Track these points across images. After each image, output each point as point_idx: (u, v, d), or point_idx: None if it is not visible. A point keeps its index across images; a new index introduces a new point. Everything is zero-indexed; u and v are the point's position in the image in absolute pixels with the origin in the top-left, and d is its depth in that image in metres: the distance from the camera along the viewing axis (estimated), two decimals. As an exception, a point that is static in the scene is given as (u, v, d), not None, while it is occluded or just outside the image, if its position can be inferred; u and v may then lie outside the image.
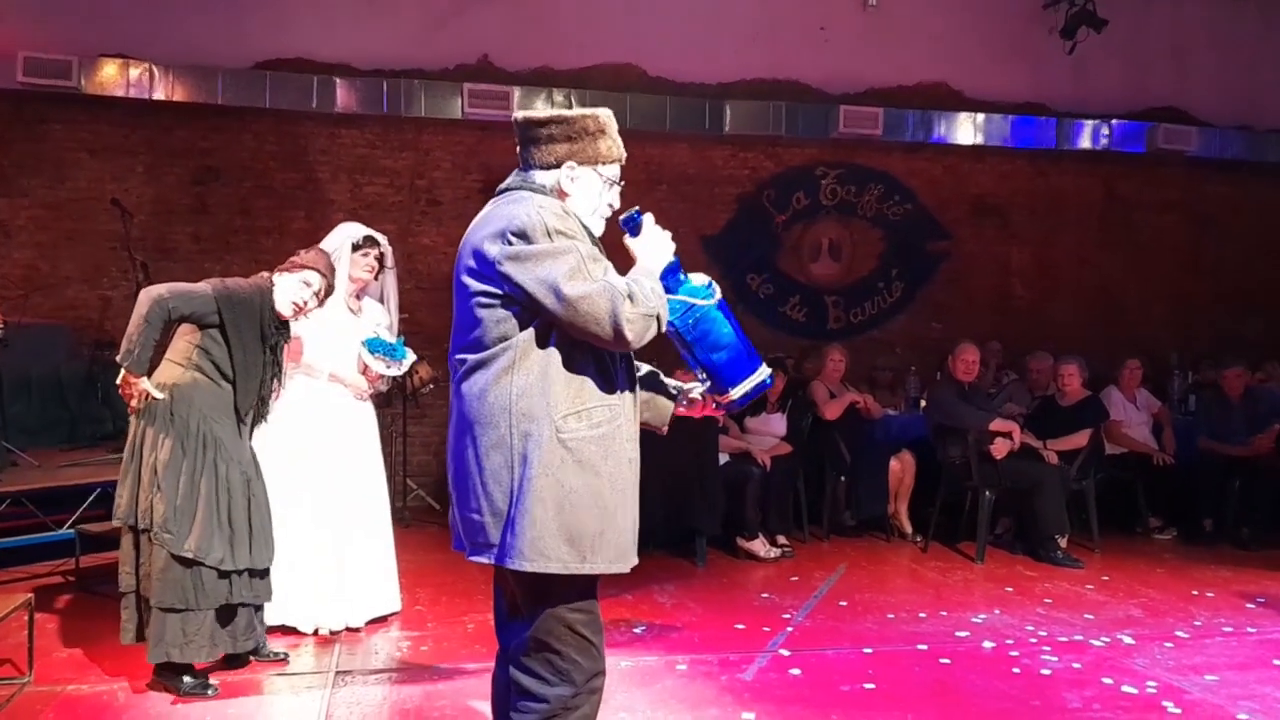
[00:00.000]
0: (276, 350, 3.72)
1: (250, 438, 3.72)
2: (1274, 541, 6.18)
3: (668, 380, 2.47)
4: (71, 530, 4.98)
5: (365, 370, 4.35)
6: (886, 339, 8.58)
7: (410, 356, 4.40)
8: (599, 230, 2.26)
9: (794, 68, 8.23)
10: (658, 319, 2.11)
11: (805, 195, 8.48)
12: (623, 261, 2.25)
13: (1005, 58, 8.46)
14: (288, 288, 3.66)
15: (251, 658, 3.80)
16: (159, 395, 3.45)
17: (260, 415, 3.74)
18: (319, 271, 3.70)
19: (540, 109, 2.32)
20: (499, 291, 2.11)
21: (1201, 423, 6.93)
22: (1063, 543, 5.80)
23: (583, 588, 2.16)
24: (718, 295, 2.31)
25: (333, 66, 7.44)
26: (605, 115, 2.26)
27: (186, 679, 3.50)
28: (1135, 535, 6.54)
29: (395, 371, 4.37)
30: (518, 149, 2.27)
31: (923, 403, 6.89)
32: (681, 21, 7.94)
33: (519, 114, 2.29)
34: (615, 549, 2.15)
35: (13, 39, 6.83)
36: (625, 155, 2.30)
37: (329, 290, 3.79)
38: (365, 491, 4.37)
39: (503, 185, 2.28)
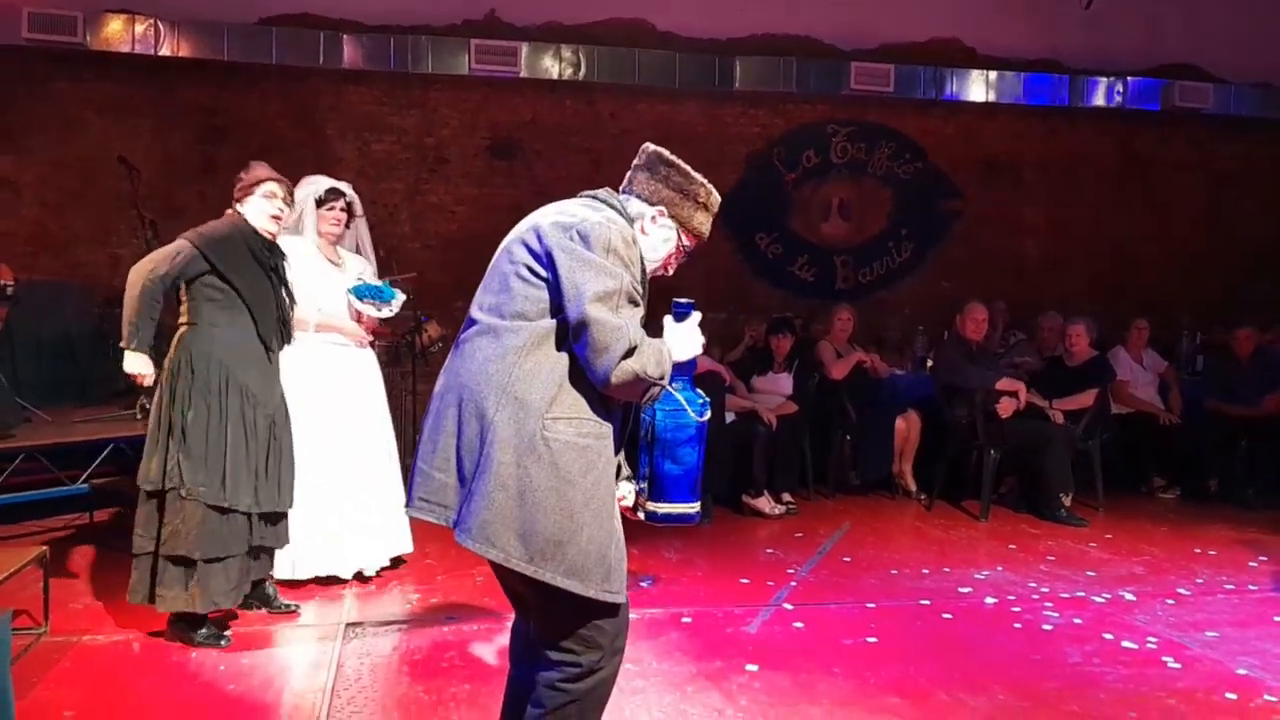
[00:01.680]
0: (279, 271, 3.77)
1: (278, 368, 3.77)
2: (1278, 502, 6.20)
3: (620, 459, 2.41)
4: (85, 485, 5.04)
5: (359, 317, 4.38)
6: (895, 299, 8.56)
7: (400, 297, 4.44)
8: (651, 269, 2.29)
9: (805, 23, 8.14)
10: (647, 388, 2.08)
11: (816, 153, 8.43)
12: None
13: (1019, 14, 8.34)
14: (257, 208, 3.70)
15: (264, 609, 3.87)
16: (148, 375, 3.50)
17: (285, 339, 3.78)
18: (271, 179, 3.74)
19: (672, 154, 2.32)
20: (541, 272, 2.11)
21: (1210, 383, 6.92)
22: (1067, 501, 5.83)
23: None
24: (706, 418, 2.30)
25: (339, 22, 7.39)
26: (717, 198, 2.32)
27: (201, 630, 3.57)
28: (1140, 495, 6.56)
29: (387, 313, 4.41)
30: (630, 170, 2.30)
31: (929, 362, 6.89)
32: (691, -25, 7.85)
33: (651, 146, 2.30)
34: (571, 564, 2.03)
35: (18, -6, 6.80)
36: (706, 237, 2.34)
37: (289, 189, 3.81)
38: (372, 439, 4.42)
39: (591, 192, 2.29)
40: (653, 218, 2.25)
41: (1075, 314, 6.59)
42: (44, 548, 3.69)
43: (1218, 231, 8.97)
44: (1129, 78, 8.41)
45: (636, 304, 2.11)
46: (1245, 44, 8.57)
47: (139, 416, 5.48)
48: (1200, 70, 8.64)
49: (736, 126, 8.31)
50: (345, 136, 7.75)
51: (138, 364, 3.52)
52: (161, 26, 7.03)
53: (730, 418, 5.84)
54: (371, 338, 4.51)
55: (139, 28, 7.00)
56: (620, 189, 2.31)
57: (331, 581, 4.31)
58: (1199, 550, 5.18)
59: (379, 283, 4.45)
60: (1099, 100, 8.42)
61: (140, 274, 3.46)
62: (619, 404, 2.19)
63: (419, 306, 6.57)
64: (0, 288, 5.39)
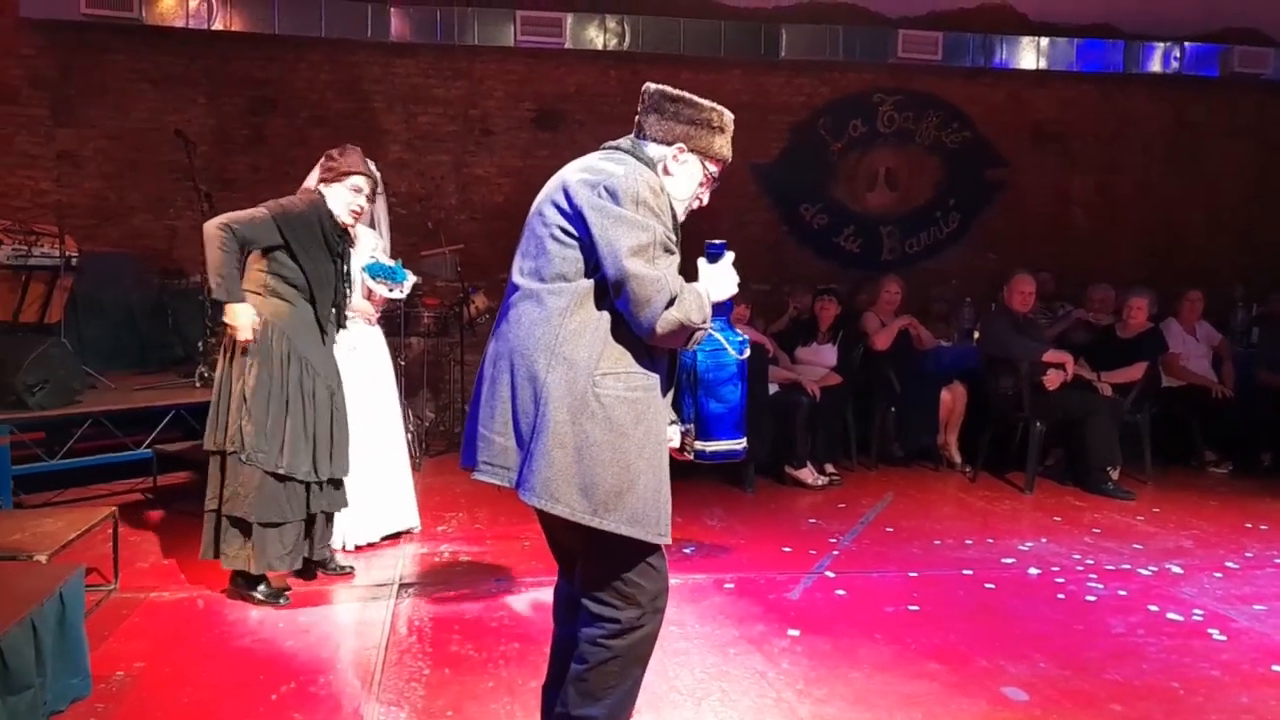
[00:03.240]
0: (345, 258, 3.86)
1: (332, 350, 3.88)
2: (1333, 476, 6.11)
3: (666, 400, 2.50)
4: (149, 450, 5.22)
5: (370, 295, 4.46)
6: (941, 269, 8.49)
7: (411, 278, 4.53)
8: (682, 216, 2.30)
9: (852, -10, 8.04)
10: (690, 333, 2.13)
11: (862, 122, 8.36)
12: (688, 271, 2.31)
13: (1074, -23, 8.16)
14: (340, 197, 3.77)
15: (320, 571, 4.01)
16: (249, 330, 3.55)
17: (339, 323, 3.89)
18: (363, 174, 3.80)
19: (672, 87, 2.34)
20: (575, 233, 2.15)
21: (1263, 354, 6.80)
22: (1114, 475, 5.78)
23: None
24: (746, 354, 2.34)
25: (387, -6, 7.45)
26: (729, 116, 2.32)
27: (261, 588, 3.71)
28: (1190, 469, 6.48)
29: (398, 294, 4.50)
30: (637, 115, 2.31)
31: (975, 334, 6.84)
32: (736, -57, 7.79)
33: (651, 85, 2.31)
34: (631, 512, 2.11)
35: (76, -29, 6.95)
36: (731, 159, 2.34)
37: (374, 186, 3.89)
38: (379, 415, 4.51)
39: (612, 143, 2.32)
40: (674, 156, 2.26)
41: (1130, 286, 6.49)
42: (112, 509, 3.85)
43: (1272, 201, 8.75)
44: (1186, 43, 8.20)
45: (671, 252, 2.14)
46: (1309, 7, 8.32)
47: (198, 384, 5.65)
48: (1261, 34, 8.40)
49: (781, 96, 8.26)
50: (392, 108, 7.83)
51: (242, 314, 3.52)
52: (214, 1, 7.15)
53: (773, 389, 5.87)
54: (379, 314, 4.59)
55: (192, 3, 7.13)
56: (636, 136, 2.31)
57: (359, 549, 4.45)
58: (1249, 525, 5.13)
59: (392, 263, 4.52)
60: (1155, 66, 8.23)
61: (216, 226, 3.51)
62: (664, 352, 2.23)
63: (466, 278, 6.67)
64: (66, 259, 5.55)
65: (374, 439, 4.48)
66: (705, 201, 2.36)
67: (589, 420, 2.10)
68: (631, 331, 2.13)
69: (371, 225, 4.73)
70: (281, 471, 3.61)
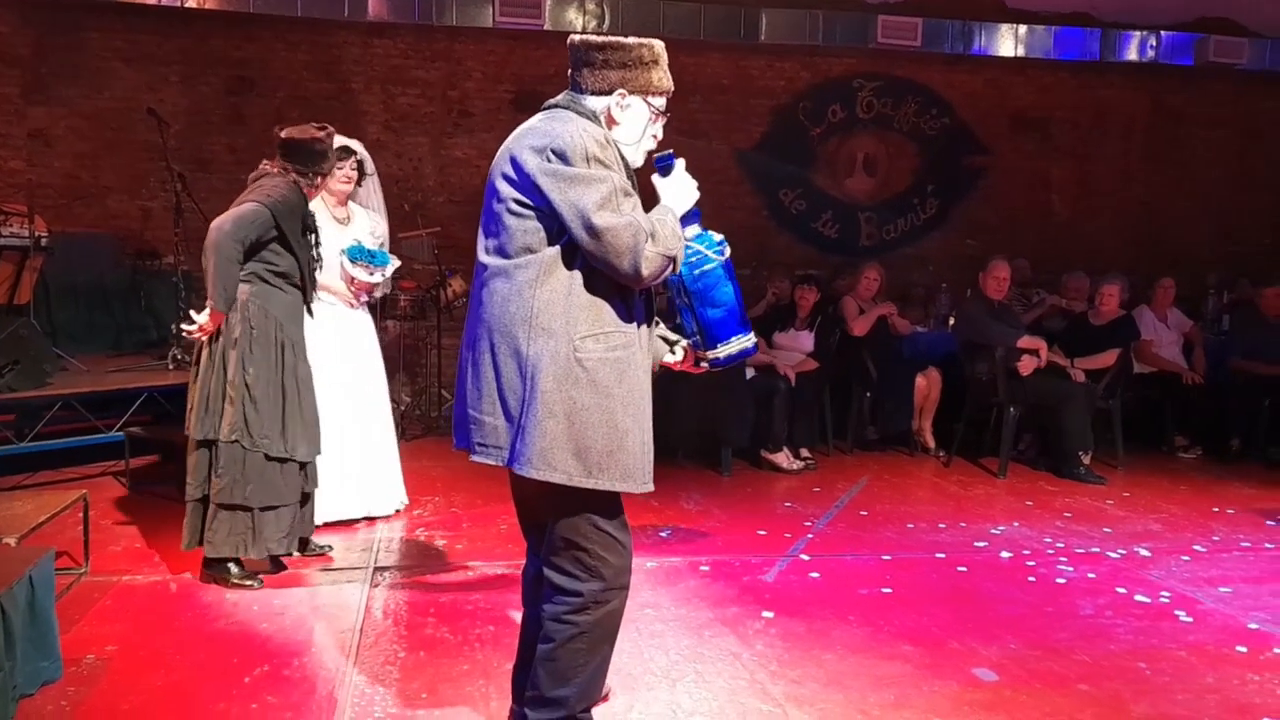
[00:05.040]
0: (316, 232, 3.88)
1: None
2: (1301, 461, 6.20)
3: (663, 328, 2.52)
4: (121, 433, 5.18)
5: (352, 281, 4.41)
6: (919, 255, 8.53)
7: (394, 262, 4.51)
8: (637, 163, 2.30)
9: (833, -25, 8.03)
10: (673, 260, 2.16)
11: (842, 108, 8.37)
12: (650, 197, 2.29)
13: (1052, -36, 8.19)
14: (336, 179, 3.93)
15: (297, 552, 3.99)
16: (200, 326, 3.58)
17: (312, 299, 3.89)
18: (341, 164, 3.94)
19: (596, 35, 2.31)
20: (530, 203, 2.15)
21: (1236, 342, 6.88)
22: (1086, 460, 5.85)
23: (602, 492, 2.22)
24: (727, 254, 2.35)
25: (364, -27, 7.37)
26: (659, 46, 2.29)
27: (234, 569, 3.70)
28: (1161, 454, 6.56)
29: (379, 278, 4.45)
30: (570, 71, 2.29)
31: (952, 320, 6.89)
32: (717, -74, 7.75)
33: (575, 37, 2.29)
34: (623, 469, 2.17)
35: (46, -55, 6.84)
36: (673, 88, 2.33)
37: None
38: (366, 396, 4.52)
39: (551, 101, 2.30)
40: (616, 104, 2.25)
41: (1104, 272, 6.55)
42: (83, 492, 3.82)
43: (1248, 189, 8.85)
44: (1162, 32, 8.25)
45: (630, 195, 2.16)
46: (1285, -4, 8.38)
47: (171, 366, 5.60)
48: (1236, 24, 8.46)
49: (762, 80, 8.25)
50: (371, 89, 7.77)
51: (215, 320, 3.57)
52: (188, -22, 7.05)
53: (750, 373, 5.89)
54: (367, 298, 4.55)
55: (166, -21, 7.02)
56: (573, 91, 2.29)
57: (349, 524, 4.47)
58: (1217, 509, 5.20)
59: (374, 247, 4.49)
60: (1131, 55, 8.28)
61: (221, 234, 3.49)
62: (638, 301, 2.25)
63: (444, 261, 6.64)
64: (35, 239, 5.48)
65: (362, 419, 4.47)
66: (660, 137, 2.34)
67: (574, 386, 2.13)
68: (602, 291, 2.16)
69: (369, 207, 4.70)
70: (285, 455, 3.65)
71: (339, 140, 4.39)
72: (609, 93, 2.24)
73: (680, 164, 2.31)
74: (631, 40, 2.26)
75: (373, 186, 4.74)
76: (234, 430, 3.59)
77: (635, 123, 2.27)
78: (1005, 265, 6.16)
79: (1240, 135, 8.84)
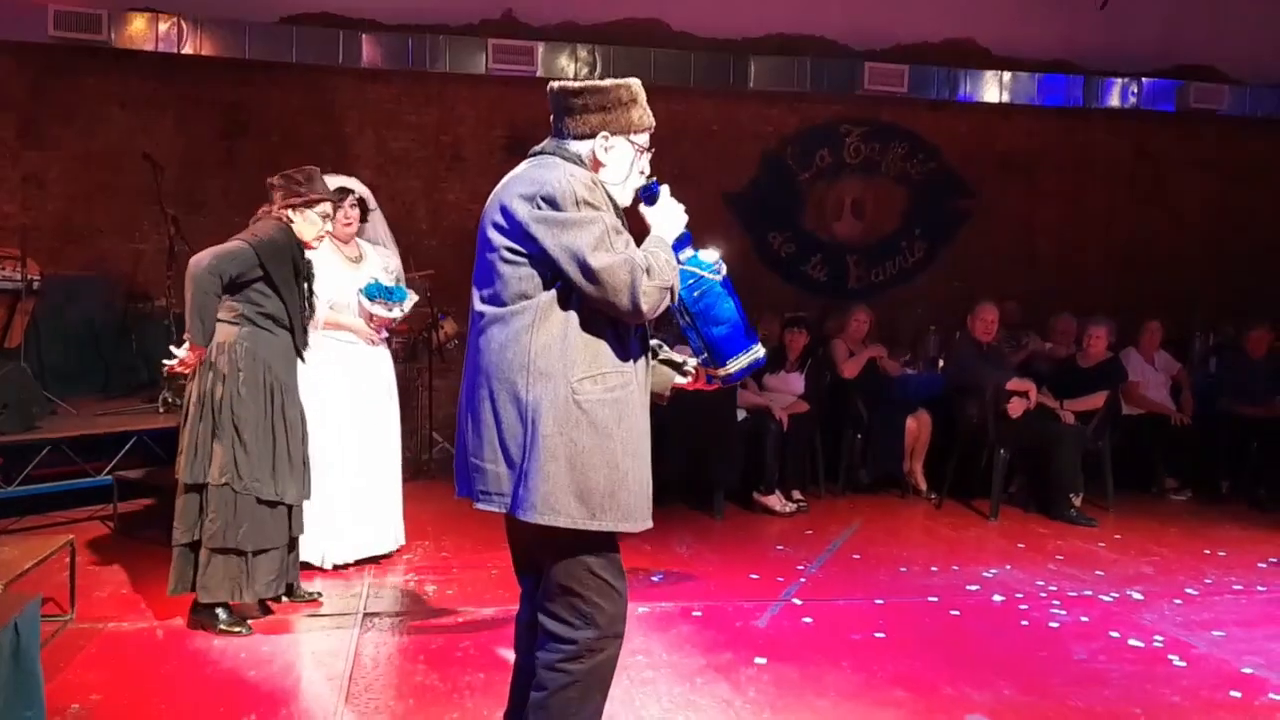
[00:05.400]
0: (310, 280, 3.88)
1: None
2: (1291, 503, 6.22)
3: (669, 352, 2.55)
4: (109, 477, 5.14)
5: (371, 318, 4.44)
6: (908, 298, 8.58)
7: (411, 297, 4.52)
8: (625, 201, 2.33)
9: (819, 23, 8.16)
10: (670, 290, 2.19)
11: (829, 153, 8.46)
12: (639, 228, 2.32)
13: (1034, 14, 8.33)
14: (311, 224, 3.80)
15: (285, 598, 3.95)
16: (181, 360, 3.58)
17: (305, 343, 3.88)
18: (328, 200, 3.85)
19: (574, 80, 2.34)
20: (523, 250, 2.17)
21: (1223, 383, 6.93)
22: (1077, 501, 5.86)
23: (600, 537, 2.22)
24: (723, 271, 2.38)
25: (358, 21, 7.47)
26: (636, 85, 2.32)
27: (222, 616, 3.66)
28: (1151, 496, 6.57)
29: (397, 314, 4.47)
30: (552, 117, 2.32)
31: (941, 361, 6.92)
32: (707, -25, 7.89)
33: (554, 83, 2.32)
34: (625, 509, 2.19)
35: (43, -8, 6.91)
36: (655, 123, 2.36)
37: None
38: (377, 435, 4.52)
39: (537, 148, 2.33)
40: (600, 147, 2.28)
41: (1092, 314, 6.61)
42: (70, 537, 3.78)
43: (1232, 231, 8.95)
44: (1144, 79, 8.40)
45: (622, 233, 2.19)
46: (1262, 45, 8.54)
47: (161, 410, 5.58)
48: (1216, 71, 8.62)
49: (751, 125, 8.35)
50: (364, 133, 7.83)
51: (195, 354, 3.58)
52: (184, 24, 7.12)
53: (742, 415, 5.90)
54: (386, 334, 4.57)
55: (162, 25, 7.09)
56: (556, 137, 2.31)
57: (343, 570, 4.43)
58: (1209, 551, 5.21)
59: (391, 283, 4.51)
60: (1114, 101, 8.42)
61: (200, 268, 3.53)
62: (634, 334, 2.26)
63: (436, 303, 6.65)
64: (28, 282, 5.48)
65: (370, 459, 4.45)
66: (647, 173, 2.37)
67: (574, 429, 2.14)
68: (597, 332, 2.18)
69: (378, 243, 4.73)
70: (275, 499, 3.63)
71: (338, 180, 4.44)
72: (592, 136, 2.27)
73: (665, 190, 2.33)
74: (609, 82, 2.29)
75: (379, 222, 4.76)
76: (224, 473, 3.57)
77: (621, 162, 2.30)
78: (993, 307, 6.21)
79: (1222, 179, 8.96)
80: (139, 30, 7.09)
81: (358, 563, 4.51)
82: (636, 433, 2.23)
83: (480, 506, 2.25)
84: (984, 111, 8.50)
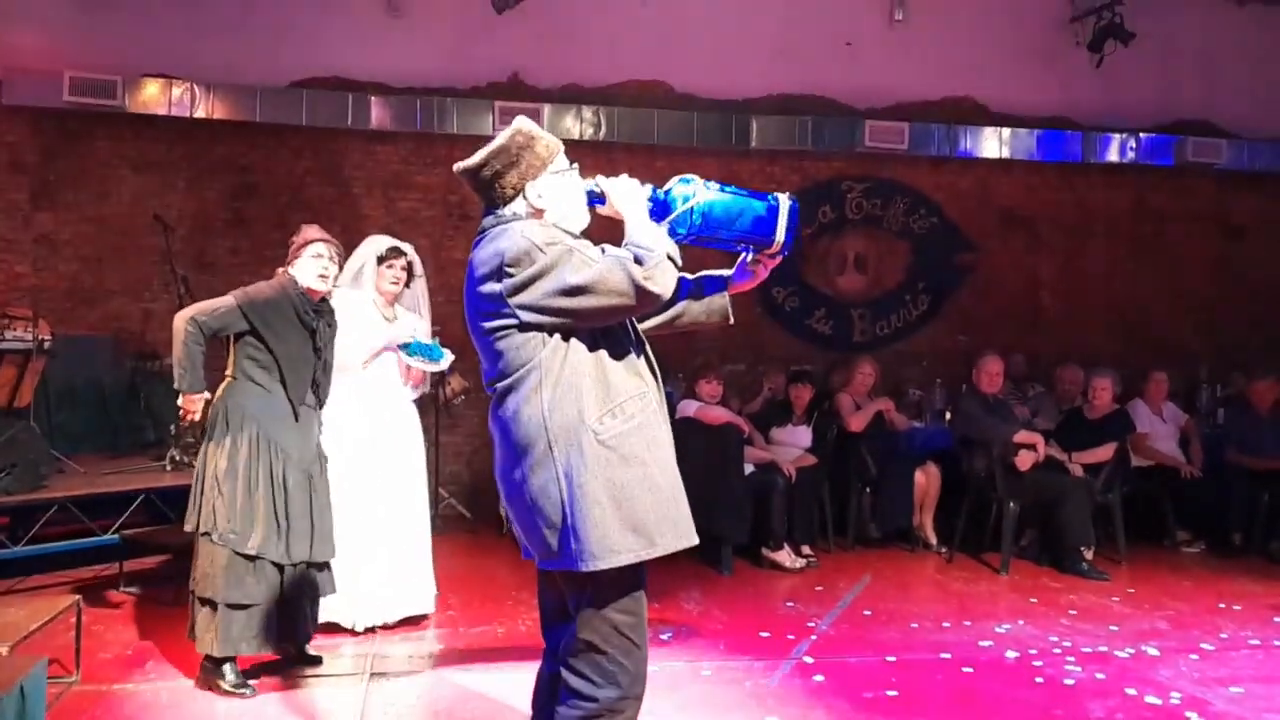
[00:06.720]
0: (320, 333, 3.87)
1: (319, 425, 3.90)
2: (1304, 555, 6.16)
3: (714, 272, 2.58)
4: (116, 535, 5.12)
5: (408, 371, 4.52)
6: (912, 351, 8.60)
7: (449, 356, 4.60)
8: (585, 222, 2.36)
9: (820, 82, 8.31)
10: (671, 258, 2.19)
11: (831, 209, 8.55)
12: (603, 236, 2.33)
13: (1032, 71, 8.49)
14: (305, 268, 3.84)
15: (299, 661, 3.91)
16: (195, 412, 3.68)
17: (319, 400, 3.89)
18: (319, 240, 3.87)
19: (470, 158, 2.39)
20: (514, 322, 2.21)
21: (1230, 435, 6.90)
22: (1088, 555, 5.81)
23: (630, 585, 2.22)
24: (701, 184, 2.36)
25: (367, 84, 7.63)
26: (526, 123, 2.34)
27: (228, 677, 3.62)
28: (1163, 548, 6.51)
29: (438, 369, 4.60)
30: (480, 196, 2.36)
31: (948, 415, 6.92)
32: (708, 38, 8.07)
33: (456, 168, 2.36)
34: (676, 527, 2.22)
35: (60, 59, 7.08)
36: (562, 142, 2.38)
37: (337, 249, 3.93)
38: (407, 491, 4.49)
39: (481, 226, 2.34)
40: (536, 197, 2.30)
41: (1096, 366, 6.61)
42: (77, 597, 3.76)
43: (1233, 284, 8.99)
44: (1142, 134, 8.52)
45: (591, 247, 2.22)
46: (1259, 99, 8.68)
47: (168, 468, 5.58)
48: (1213, 126, 8.75)
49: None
50: (372, 193, 7.94)
51: (194, 401, 3.71)
52: (197, 89, 7.28)
53: (749, 469, 5.88)
54: (418, 390, 4.65)
55: (176, 91, 7.25)
56: (489, 212, 2.34)
57: (369, 631, 4.36)
58: (1223, 605, 5.14)
59: (430, 341, 4.60)
60: (1112, 156, 8.53)
61: (182, 320, 3.66)
62: (638, 356, 2.28)
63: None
64: (39, 342, 5.51)
65: (397, 517, 4.42)
66: (601, 187, 2.35)
67: (608, 468, 2.15)
68: (602, 368, 2.20)
69: (414, 310, 4.78)
70: (251, 552, 3.59)
71: (390, 241, 4.55)
72: (518, 193, 2.30)
73: (603, 180, 2.33)
74: (500, 139, 2.31)
75: (421, 291, 4.80)
76: (205, 523, 3.61)
77: (559, 199, 2.33)
78: (998, 359, 6.22)
79: (1221, 231, 9.04)
80: (152, 96, 7.25)
81: (389, 625, 4.42)
82: (666, 453, 2.26)
83: (544, 567, 2.29)
84: (984, 166, 8.61)
